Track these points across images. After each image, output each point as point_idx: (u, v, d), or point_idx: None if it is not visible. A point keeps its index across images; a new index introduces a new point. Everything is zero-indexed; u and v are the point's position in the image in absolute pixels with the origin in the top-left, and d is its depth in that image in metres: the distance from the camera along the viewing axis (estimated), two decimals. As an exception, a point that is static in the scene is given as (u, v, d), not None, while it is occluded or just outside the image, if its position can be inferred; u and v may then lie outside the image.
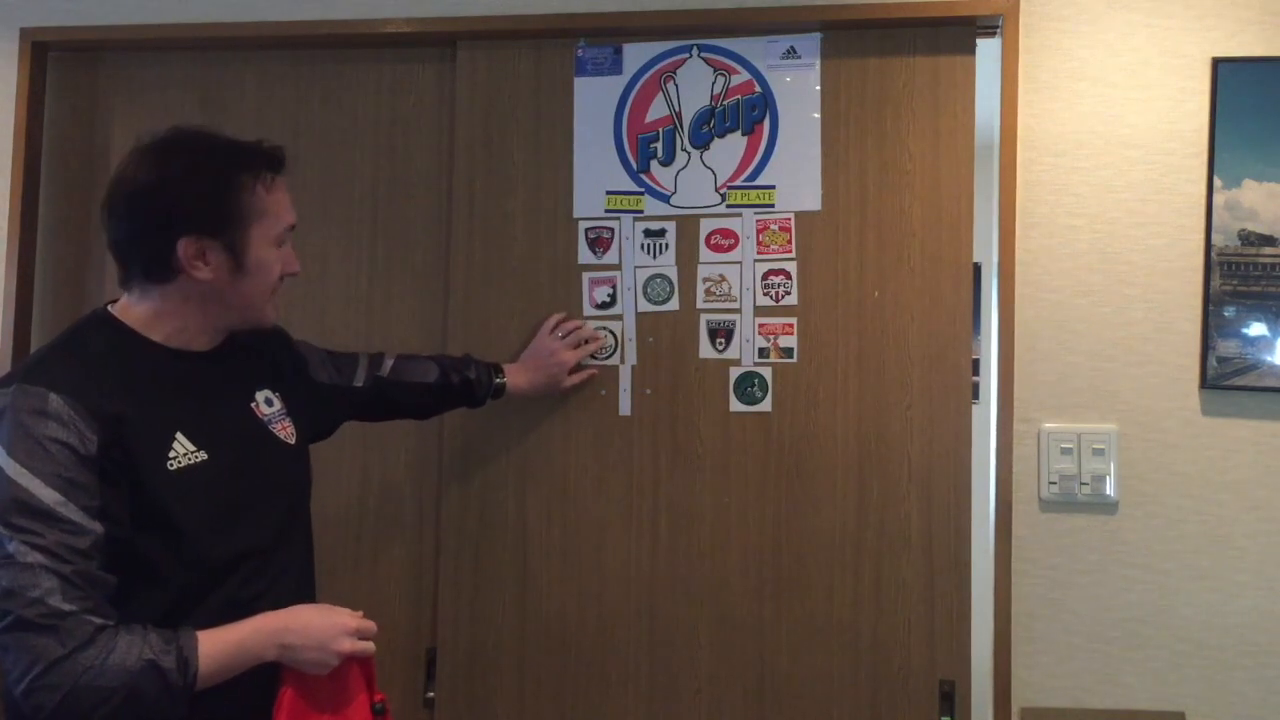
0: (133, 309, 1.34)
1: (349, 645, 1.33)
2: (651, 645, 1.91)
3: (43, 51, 2.12)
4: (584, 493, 1.94)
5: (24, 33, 2.10)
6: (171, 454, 1.27)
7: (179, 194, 1.29)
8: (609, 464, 1.94)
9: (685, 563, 1.91)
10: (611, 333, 1.95)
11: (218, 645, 1.23)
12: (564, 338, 1.91)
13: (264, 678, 1.31)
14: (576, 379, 1.91)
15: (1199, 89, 1.83)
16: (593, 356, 1.93)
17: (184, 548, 1.26)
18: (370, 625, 1.36)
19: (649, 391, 1.93)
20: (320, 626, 1.32)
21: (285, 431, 1.45)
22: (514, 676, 1.94)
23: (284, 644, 1.29)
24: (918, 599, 1.85)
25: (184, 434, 1.30)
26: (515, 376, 1.87)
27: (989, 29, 1.89)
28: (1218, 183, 1.81)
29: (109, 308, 1.35)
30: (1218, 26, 1.83)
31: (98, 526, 1.19)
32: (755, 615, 1.89)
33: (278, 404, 1.46)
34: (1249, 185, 1.80)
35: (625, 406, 1.94)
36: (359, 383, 1.70)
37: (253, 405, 1.43)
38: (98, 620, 1.17)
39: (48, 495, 1.17)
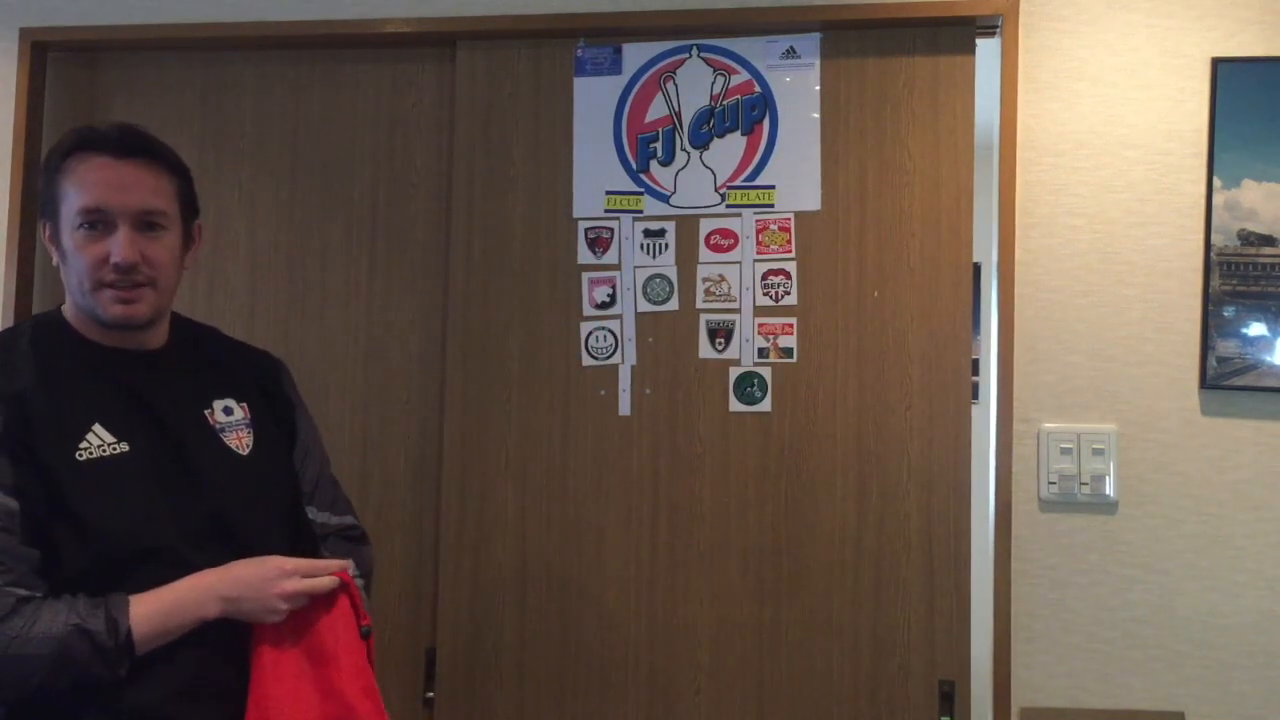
0: (67, 305, 1.38)
1: (291, 586, 1.28)
2: (651, 645, 1.91)
3: (42, 51, 2.12)
4: (584, 493, 1.94)
5: (24, 33, 2.10)
6: (84, 444, 1.27)
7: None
8: (609, 464, 1.94)
9: (685, 563, 1.91)
10: (611, 332, 1.95)
11: (151, 605, 1.23)
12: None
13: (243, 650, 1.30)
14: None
15: (1198, 89, 1.83)
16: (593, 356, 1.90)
17: (86, 535, 1.24)
18: (313, 563, 1.32)
19: (649, 391, 1.93)
20: (253, 573, 1.28)
21: (238, 441, 1.40)
22: (514, 676, 1.94)
23: (223, 596, 1.27)
24: (917, 599, 1.85)
25: (104, 425, 1.28)
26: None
27: (989, 29, 1.89)
28: (1217, 183, 1.81)
29: (61, 307, 1.38)
30: (1217, 26, 1.83)
31: (12, 502, 1.20)
32: (755, 615, 1.89)
33: (239, 414, 1.42)
34: (1248, 185, 1.80)
35: (625, 406, 1.94)
36: (311, 515, 1.50)
37: (206, 411, 1.39)
38: (21, 592, 1.17)
39: None
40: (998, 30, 1.87)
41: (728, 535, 1.90)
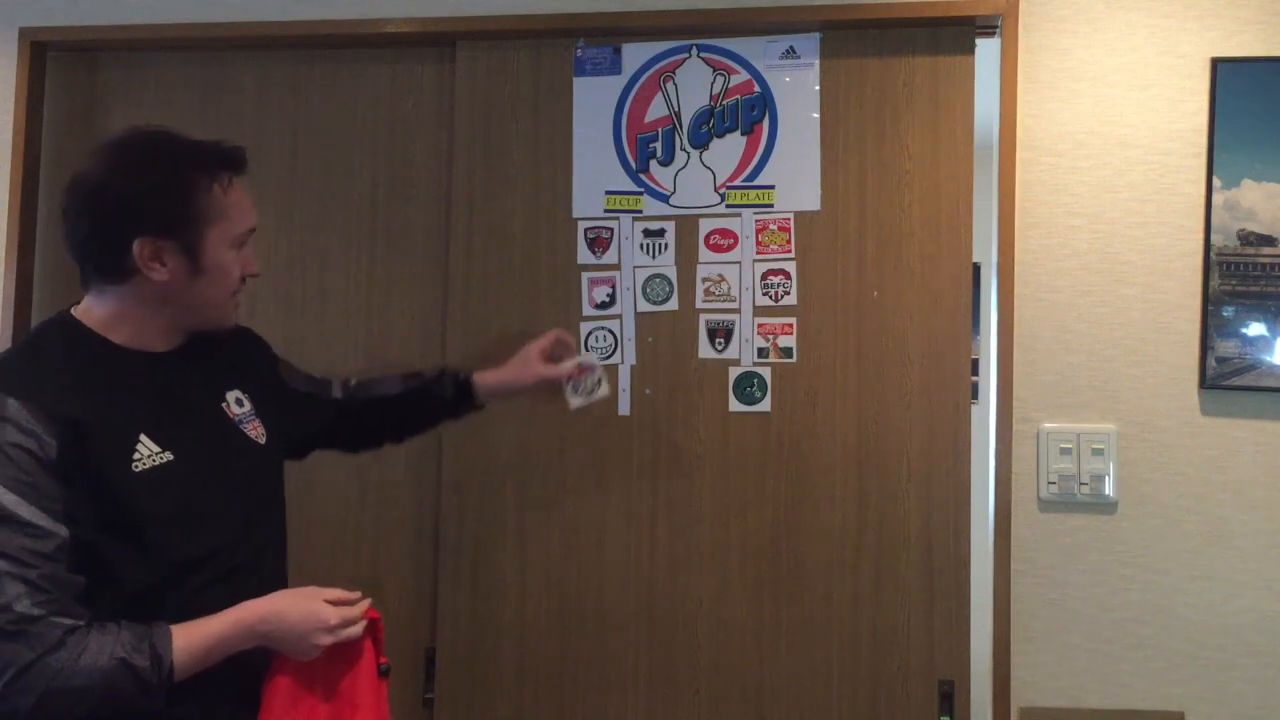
0: (93, 310, 1.33)
1: (328, 640, 1.30)
2: (651, 645, 1.91)
3: (42, 51, 2.12)
4: (583, 493, 1.94)
5: (23, 32, 2.10)
6: (136, 455, 1.26)
7: (133, 194, 1.27)
8: (608, 464, 1.94)
9: (685, 563, 1.91)
10: (611, 332, 1.95)
11: (193, 640, 1.23)
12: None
13: (254, 664, 1.31)
14: (556, 371, 1.76)
15: (1198, 89, 1.83)
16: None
17: (147, 549, 1.25)
18: (351, 613, 1.33)
19: (648, 391, 1.93)
20: (299, 621, 1.29)
21: (256, 431, 1.43)
22: (513, 676, 1.94)
23: (264, 635, 1.28)
24: (917, 599, 1.85)
25: (148, 435, 1.28)
26: (484, 375, 1.77)
27: (988, 29, 1.89)
28: (1217, 183, 1.81)
29: (72, 310, 1.34)
30: (1217, 26, 1.83)
31: (62, 529, 1.19)
32: (755, 615, 1.89)
33: (248, 404, 1.44)
34: (1248, 185, 1.80)
35: (624, 406, 1.94)
36: (336, 394, 1.67)
37: (223, 405, 1.41)
38: (67, 622, 1.17)
39: (9, 500, 1.16)
40: (997, 30, 1.87)
41: (728, 535, 1.90)
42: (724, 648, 1.89)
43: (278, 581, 1.45)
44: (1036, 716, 1.82)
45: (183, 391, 1.36)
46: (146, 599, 1.25)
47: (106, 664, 1.16)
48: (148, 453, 1.27)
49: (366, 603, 1.36)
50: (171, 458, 1.29)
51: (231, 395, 1.43)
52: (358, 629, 1.34)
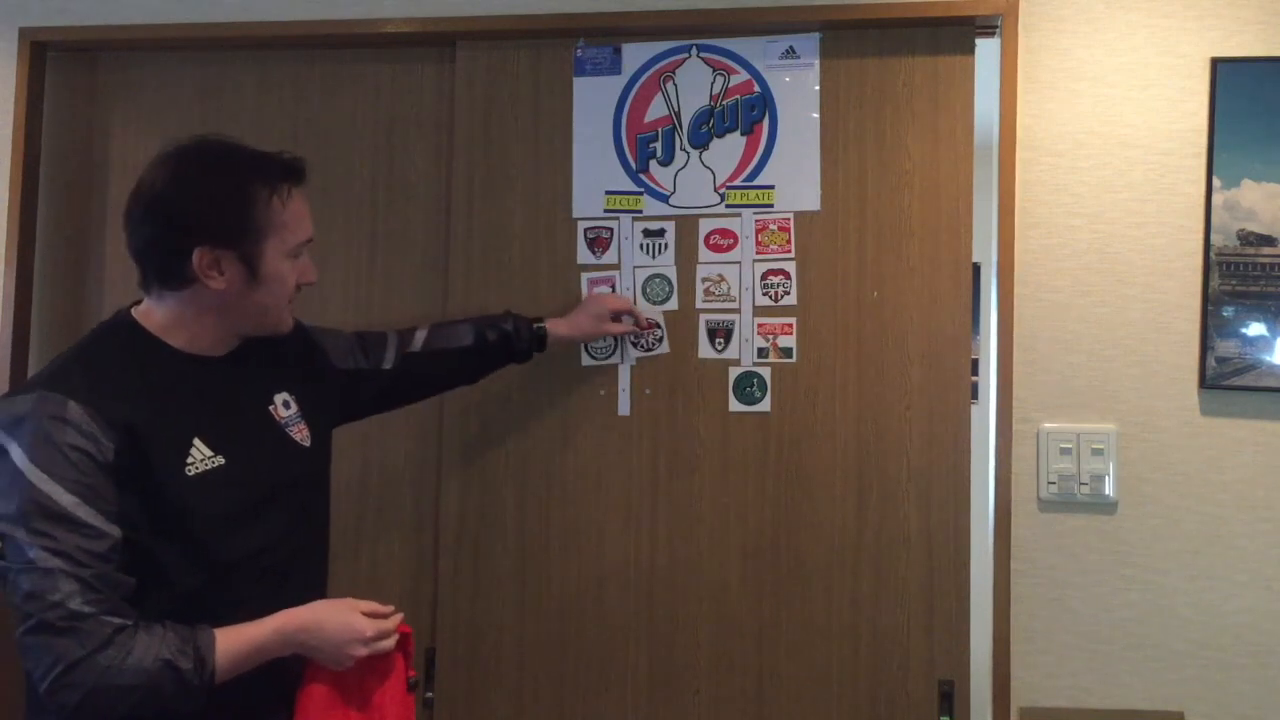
0: (153, 313, 1.36)
1: (364, 651, 1.35)
2: (651, 645, 1.91)
3: (41, 51, 2.12)
4: (583, 493, 1.94)
5: (23, 32, 2.09)
6: (190, 460, 1.30)
7: (194, 204, 1.30)
8: (608, 464, 1.94)
9: (685, 563, 1.91)
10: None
11: (235, 645, 1.26)
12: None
13: (288, 670, 1.35)
14: (621, 328, 1.89)
15: (1198, 89, 1.83)
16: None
17: (197, 550, 1.29)
18: (387, 625, 1.38)
19: (648, 391, 1.93)
20: (336, 632, 1.33)
21: (301, 434, 1.47)
22: (513, 676, 1.94)
23: (303, 645, 1.33)
24: (917, 599, 1.85)
25: (201, 440, 1.32)
26: (556, 324, 1.84)
27: (988, 29, 1.89)
28: (1217, 183, 1.81)
29: (132, 311, 1.37)
30: (1217, 26, 1.83)
31: (115, 530, 1.22)
32: (755, 615, 1.89)
33: (294, 406, 1.48)
34: (1248, 185, 1.80)
35: (624, 406, 1.94)
36: (387, 365, 1.69)
37: (271, 409, 1.45)
38: (116, 621, 1.20)
39: (67, 500, 1.20)
40: (997, 30, 1.87)
41: (727, 535, 1.90)
42: (724, 648, 1.89)
43: (319, 582, 1.51)
44: (1036, 716, 1.82)
45: (233, 395, 1.40)
46: (192, 599, 1.29)
47: (152, 664, 1.20)
48: (200, 456, 1.31)
49: (399, 617, 1.41)
50: (223, 461, 1.33)
51: (279, 397, 1.46)
52: (390, 642, 1.38)
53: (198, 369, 1.36)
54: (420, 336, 1.75)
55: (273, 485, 1.39)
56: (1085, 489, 1.83)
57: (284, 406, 1.46)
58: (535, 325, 1.82)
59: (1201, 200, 1.82)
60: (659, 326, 1.91)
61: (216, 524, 1.31)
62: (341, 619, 1.34)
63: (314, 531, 1.50)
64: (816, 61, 1.92)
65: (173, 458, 1.29)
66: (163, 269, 1.32)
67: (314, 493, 1.50)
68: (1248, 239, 1.80)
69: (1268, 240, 1.80)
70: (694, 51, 1.95)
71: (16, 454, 1.21)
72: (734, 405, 1.91)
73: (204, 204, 1.30)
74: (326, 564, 1.54)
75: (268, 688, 1.35)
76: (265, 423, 1.43)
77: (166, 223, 1.30)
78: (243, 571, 1.34)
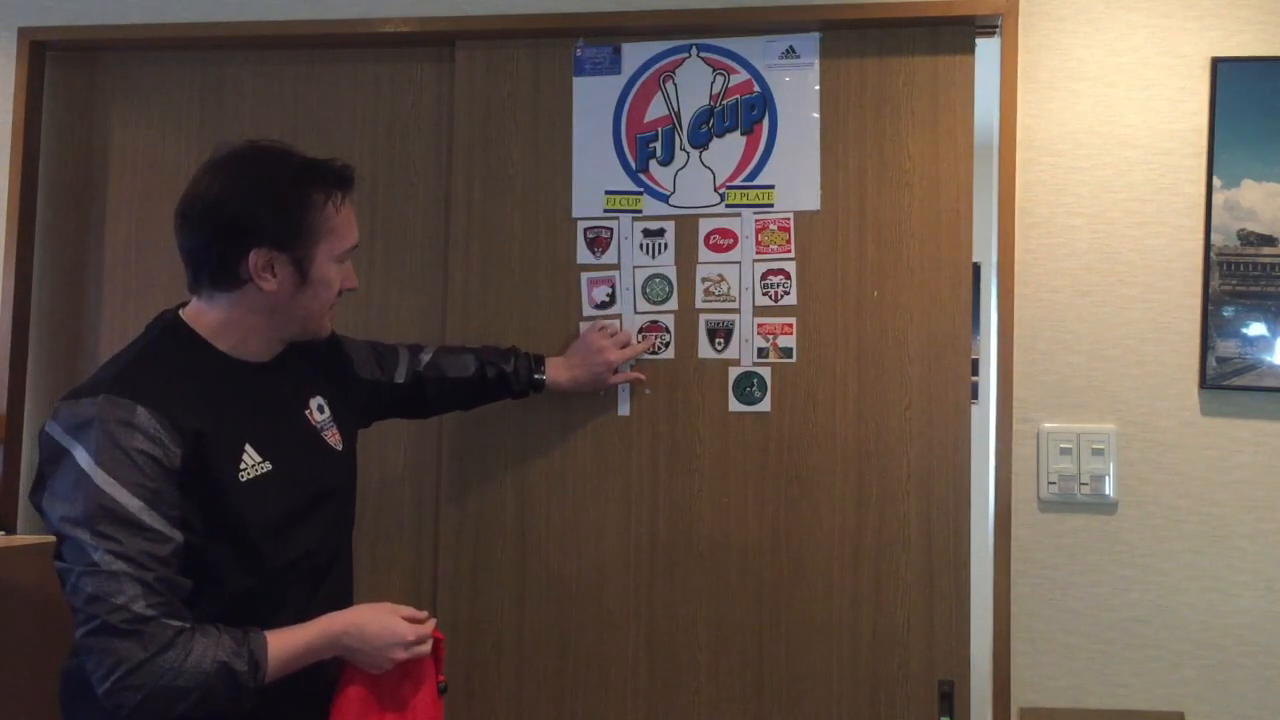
0: (203, 316, 1.37)
1: (403, 654, 1.37)
2: (651, 645, 1.91)
3: (41, 51, 2.12)
4: (583, 493, 1.94)
5: (22, 32, 2.10)
6: (242, 465, 1.33)
7: (255, 208, 1.33)
8: (608, 464, 1.94)
9: (685, 563, 1.91)
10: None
11: (285, 648, 1.29)
12: (612, 337, 1.90)
13: (324, 672, 1.38)
14: (620, 379, 1.91)
15: (1198, 89, 1.83)
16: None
17: (250, 554, 1.32)
18: (425, 630, 1.41)
19: (648, 392, 1.93)
20: (377, 635, 1.36)
21: (334, 438, 1.49)
22: (514, 676, 1.94)
23: (347, 648, 1.36)
24: (917, 599, 1.85)
25: (252, 446, 1.34)
26: (557, 371, 1.85)
27: (988, 29, 1.88)
28: (1217, 182, 1.81)
29: (180, 313, 1.39)
30: (1217, 26, 1.83)
31: (178, 535, 1.24)
32: (755, 615, 1.89)
33: (327, 411, 1.50)
34: (1248, 185, 1.80)
35: (624, 407, 1.94)
36: (400, 379, 1.72)
37: (307, 413, 1.47)
38: (176, 624, 1.22)
39: (133, 504, 1.21)
40: (997, 30, 1.87)
41: (727, 535, 1.90)
42: (724, 648, 1.89)
43: (348, 584, 1.54)
44: (1036, 716, 1.82)
45: (276, 400, 1.42)
46: (240, 601, 1.31)
47: (209, 666, 1.22)
48: (251, 462, 1.34)
49: (433, 622, 1.43)
50: (270, 467, 1.35)
51: (314, 402, 1.49)
52: (427, 647, 1.41)
53: (246, 375, 1.38)
54: (426, 358, 1.77)
55: (314, 490, 1.42)
56: (1085, 489, 1.83)
57: (318, 411, 1.48)
58: (536, 375, 1.83)
59: (1202, 200, 1.82)
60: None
61: (266, 528, 1.33)
62: (383, 623, 1.37)
63: (346, 534, 1.53)
64: (816, 61, 1.92)
65: (229, 464, 1.31)
66: (217, 270, 1.34)
67: (346, 496, 1.53)
68: (1248, 239, 1.80)
69: (1268, 240, 1.80)
70: (694, 51, 1.95)
71: (82, 457, 1.22)
72: (734, 405, 1.91)
73: (264, 206, 1.33)
74: (353, 566, 1.56)
75: (305, 690, 1.37)
76: (304, 428, 1.46)
77: (227, 226, 1.32)
78: (289, 575, 1.37)
